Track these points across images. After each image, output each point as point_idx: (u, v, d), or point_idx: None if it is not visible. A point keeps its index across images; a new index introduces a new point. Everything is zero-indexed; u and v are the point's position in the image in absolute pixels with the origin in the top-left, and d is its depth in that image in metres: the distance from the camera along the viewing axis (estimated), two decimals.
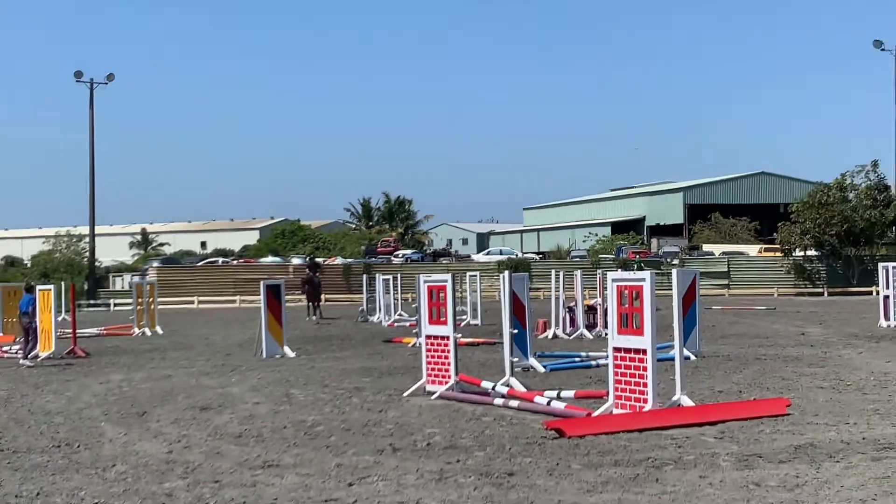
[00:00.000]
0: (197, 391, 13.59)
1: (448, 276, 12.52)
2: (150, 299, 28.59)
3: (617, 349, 10.06)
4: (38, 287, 20.43)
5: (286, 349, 18.85)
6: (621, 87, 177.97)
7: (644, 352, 9.72)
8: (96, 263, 64.67)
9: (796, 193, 66.30)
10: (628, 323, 9.95)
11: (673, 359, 10.50)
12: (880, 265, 25.86)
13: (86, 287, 58.36)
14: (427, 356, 12.56)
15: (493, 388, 11.75)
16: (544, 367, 15.08)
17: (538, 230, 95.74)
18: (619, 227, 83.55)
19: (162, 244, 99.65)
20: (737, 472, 7.44)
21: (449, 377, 12.15)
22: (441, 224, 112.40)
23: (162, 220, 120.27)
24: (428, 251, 77.60)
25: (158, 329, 28.04)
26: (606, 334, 11.03)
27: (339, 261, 63.38)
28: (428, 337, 12.62)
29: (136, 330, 27.62)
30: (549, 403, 10.78)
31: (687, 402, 10.15)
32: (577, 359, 16.32)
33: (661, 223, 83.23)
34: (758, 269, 58.66)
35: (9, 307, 24.84)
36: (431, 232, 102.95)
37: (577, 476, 7.45)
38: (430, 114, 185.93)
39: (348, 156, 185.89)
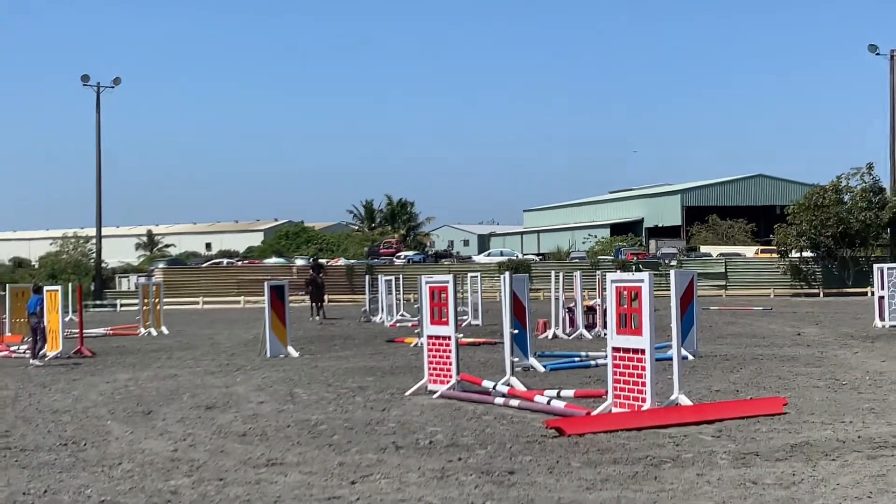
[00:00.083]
0: (202, 390, 13.67)
1: (449, 277, 12.62)
2: (156, 300, 28.72)
3: (616, 349, 10.15)
4: (46, 288, 20.55)
5: (290, 349, 18.94)
6: (620, 90, 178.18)
7: (643, 352, 9.81)
8: (103, 264, 64.70)
9: (792, 195, 66.37)
10: (627, 323, 10.04)
11: (671, 358, 10.59)
12: (875, 266, 25.99)
13: (92, 288, 58.47)
14: (429, 356, 12.65)
15: (494, 388, 11.83)
16: (544, 366, 15.15)
17: (538, 232, 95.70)
18: (617, 229, 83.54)
19: (167, 245, 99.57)
20: (734, 470, 7.51)
21: (450, 376, 12.25)
22: (442, 226, 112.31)
23: (167, 221, 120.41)
24: (429, 252, 77.49)
25: (164, 329, 28.16)
26: (605, 334, 11.14)
27: (342, 262, 63.40)
28: (430, 337, 12.72)
29: (142, 330, 27.74)
30: (549, 402, 10.86)
31: (685, 401, 10.23)
32: (576, 359, 16.39)
33: (660, 225, 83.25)
34: (754, 270, 58.75)
35: (16, 307, 24.96)
36: (433, 233, 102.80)
37: (577, 474, 7.52)
38: (431, 117, 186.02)
39: (351, 158, 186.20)
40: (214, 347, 22.16)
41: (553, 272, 24.33)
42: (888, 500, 6.61)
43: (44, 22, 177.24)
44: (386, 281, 32.97)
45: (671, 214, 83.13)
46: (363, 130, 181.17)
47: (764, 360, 16.24)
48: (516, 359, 13.70)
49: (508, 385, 12.10)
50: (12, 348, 22.01)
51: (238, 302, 54.54)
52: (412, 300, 39.68)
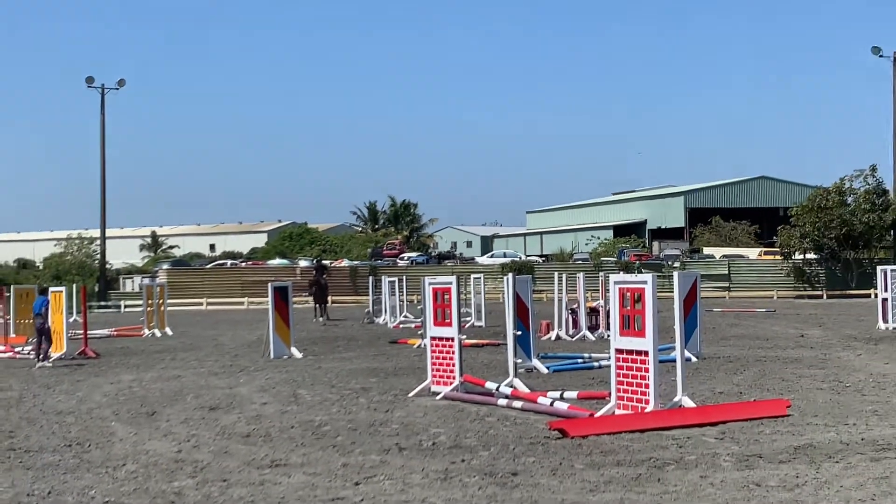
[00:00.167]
0: (206, 391, 13.69)
1: (453, 279, 12.64)
2: (160, 301, 28.76)
3: (619, 351, 10.14)
4: (51, 289, 20.59)
5: (293, 350, 18.96)
6: (624, 91, 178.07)
7: (646, 353, 9.80)
8: (107, 266, 64.83)
9: (796, 197, 66.42)
10: (630, 325, 10.03)
11: (674, 360, 10.60)
12: (878, 268, 25.96)
13: (97, 289, 58.55)
14: (432, 357, 12.67)
15: (497, 389, 11.84)
16: (547, 368, 15.17)
17: (541, 233, 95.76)
18: (620, 231, 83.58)
19: (171, 247, 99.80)
20: (737, 473, 7.51)
21: (454, 378, 12.26)
22: (446, 227, 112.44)
23: (171, 223, 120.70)
24: (433, 254, 77.60)
25: (168, 330, 28.19)
26: (608, 336, 11.14)
27: (345, 263, 63.49)
28: (433, 338, 12.73)
29: (146, 331, 27.80)
30: (552, 404, 10.86)
31: (688, 402, 10.23)
32: (579, 360, 16.40)
33: (663, 227, 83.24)
34: (758, 272, 58.78)
35: (21, 309, 25.00)
36: (436, 235, 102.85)
37: (580, 476, 7.53)
38: (435, 118, 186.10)
39: (355, 160, 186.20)
40: (218, 348, 22.18)
41: (556, 274, 24.33)
42: (892, 503, 6.61)
43: (48, 24, 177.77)
44: (389, 282, 33.01)
45: (674, 216, 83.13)
46: (367, 132, 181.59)
47: (767, 362, 16.24)
48: (519, 360, 13.69)
49: (512, 386, 12.10)
50: (17, 349, 22.04)
51: (242, 303, 54.62)
52: (415, 301, 39.62)
